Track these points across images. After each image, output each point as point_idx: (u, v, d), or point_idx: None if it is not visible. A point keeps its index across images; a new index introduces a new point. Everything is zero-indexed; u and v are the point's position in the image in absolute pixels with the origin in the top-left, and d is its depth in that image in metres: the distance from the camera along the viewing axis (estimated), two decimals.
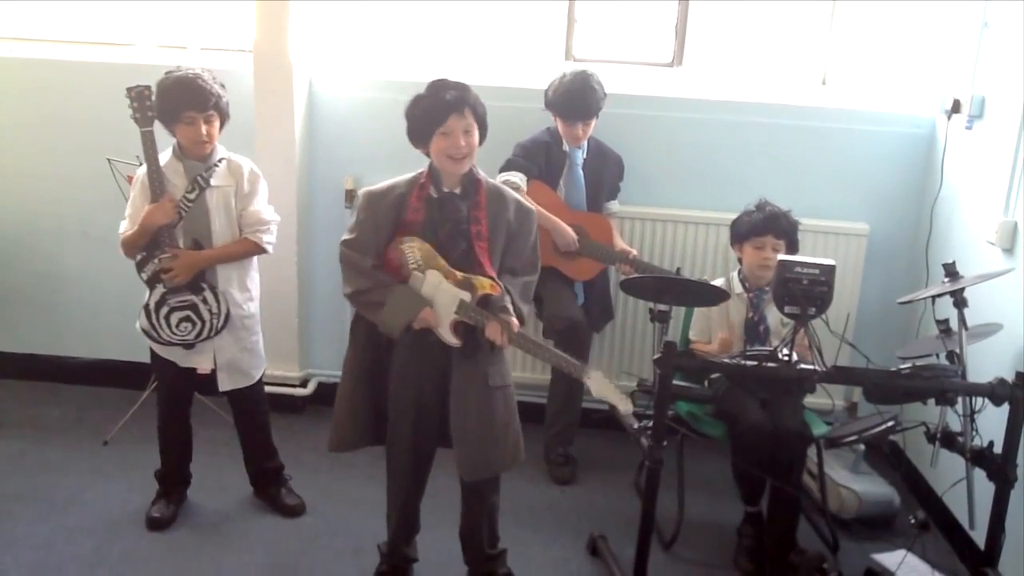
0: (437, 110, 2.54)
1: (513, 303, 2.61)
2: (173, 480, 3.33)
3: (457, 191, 2.62)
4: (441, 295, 2.56)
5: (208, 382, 3.22)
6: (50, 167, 4.15)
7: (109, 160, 3.66)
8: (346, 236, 2.67)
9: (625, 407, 2.55)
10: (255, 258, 3.23)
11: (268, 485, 3.39)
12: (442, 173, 2.61)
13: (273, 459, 3.40)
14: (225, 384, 3.20)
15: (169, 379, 3.23)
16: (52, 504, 3.32)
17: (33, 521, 3.21)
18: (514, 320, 2.56)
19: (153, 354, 3.22)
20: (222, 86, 3.05)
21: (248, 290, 3.21)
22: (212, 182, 3.05)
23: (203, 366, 3.16)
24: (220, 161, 3.08)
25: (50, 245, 4.25)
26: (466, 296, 2.55)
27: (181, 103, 2.95)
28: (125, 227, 3.07)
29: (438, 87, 2.57)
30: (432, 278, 2.57)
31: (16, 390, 4.24)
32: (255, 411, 3.34)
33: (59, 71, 4.10)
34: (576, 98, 3.56)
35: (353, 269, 2.63)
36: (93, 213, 4.11)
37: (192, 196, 3.02)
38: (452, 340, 2.58)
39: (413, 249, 2.58)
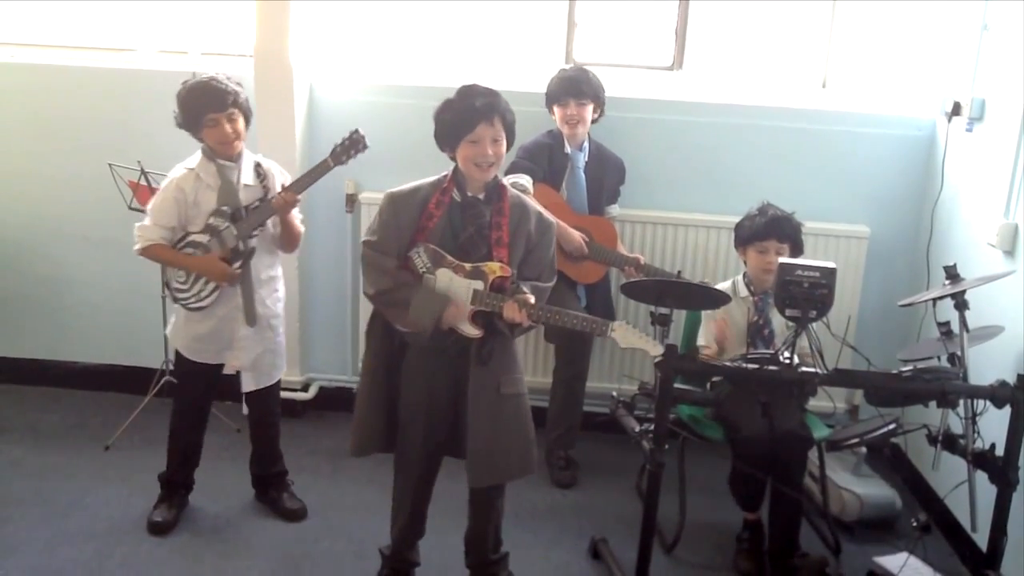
0: (466, 117, 2.53)
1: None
2: (177, 485, 3.32)
3: (481, 196, 2.61)
4: (454, 290, 2.56)
5: (228, 386, 3.23)
6: (51, 171, 4.16)
7: (110, 165, 3.67)
8: (368, 237, 2.64)
9: (655, 350, 2.56)
10: (280, 261, 3.25)
11: (270, 488, 3.39)
12: (467, 178, 2.60)
13: (278, 463, 3.40)
14: (249, 385, 3.20)
15: (195, 384, 3.23)
16: (54, 509, 3.32)
17: (35, 526, 3.21)
18: (529, 296, 2.55)
19: (180, 358, 3.22)
20: (239, 84, 3.07)
21: (276, 290, 3.22)
22: (243, 181, 3.07)
23: (234, 363, 3.17)
24: (258, 166, 3.11)
25: (51, 250, 4.25)
26: (478, 285, 2.55)
27: (201, 107, 2.97)
28: (148, 229, 3.04)
29: (468, 93, 2.56)
30: (443, 277, 2.57)
31: (17, 395, 4.23)
32: (269, 413, 3.34)
33: (61, 76, 4.10)
34: (572, 79, 3.61)
35: (376, 269, 2.60)
36: (94, 218, 4.11)
37: (239, 265, 3.06)
38: (473, 331, 2.57)
39: (420, 254, 2.58)
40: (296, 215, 3.15)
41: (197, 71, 3.06)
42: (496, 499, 2.82)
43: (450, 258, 2.57)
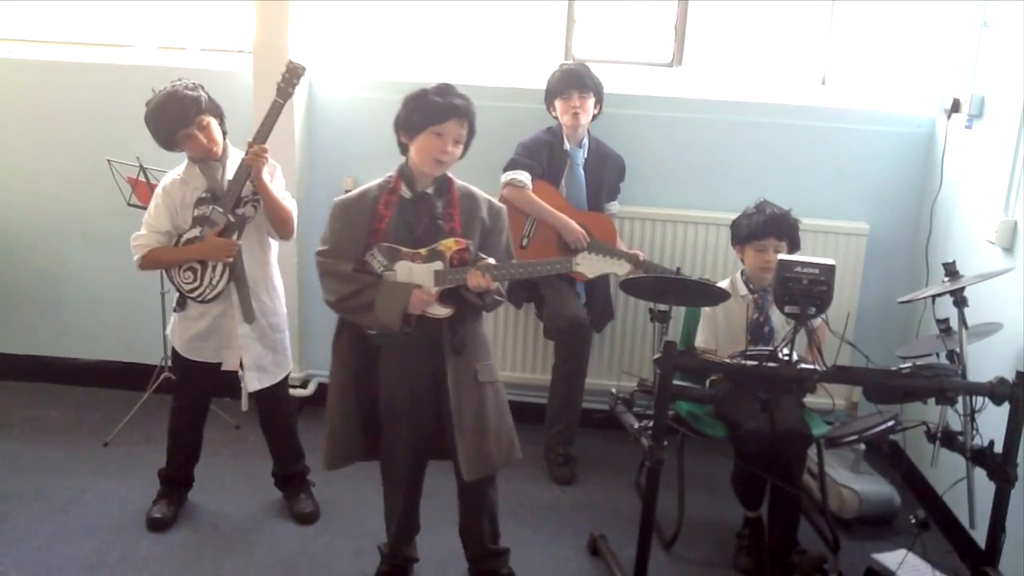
0: (441, 108, 2.55)
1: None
2: (176, 481, 3.32)
3: (430, 191, 2.63)
4: (416, 279, 2.57)
5: (227, 383, 3.21)
6: (50, 167, 4.16)
7: (109, 161, 3.67)
8: (321, 247, 2.65)
9: (623, 269, 2.57)
10: (276, 258, 3.23)
11: (288, 487, 3.38)
12: (416, 173, 2.62)
13: (296, 462, 3.37)
14: (253, 384, 3.18)
15: (194, 382, 3.23)
16: (52, 505, 3.32)
17: (33, 522, 3.21)
18: (488, 259, 2.56)
19: (176, 356, 3.22)
20: (197, 86, 3.04)
21: (274, 287, 3.21)
22: (229, 178, 3.05)
23: (231, 361, 3.16)
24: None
25: (50, 246, 4.25)
26: (438, 265, 2.56)
27: (171, 126, 2.97)
28: (143, 237, 3.05)
29: (447, 90, 2.59)
30: (402, 269, 2.58)
31: (16, 391, 4.23)
32: (279, 411, 3.32)
33: (59, 72, 4.10)
34: (574, 71, 3.64)
35: (334, 276, 2.61)
36: (92, 213, 4.12)
37: (237, 237, 3.05)
38: (443, 311, 2.58)
39: (375, 255, 2.59)
40: (281, 192, 3.11)
41: (156, 87, 3.03)
42: (487, 489, 2.81)
43: (405, 250, 2.58)
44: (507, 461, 2.74)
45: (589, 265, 2.55)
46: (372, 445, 2.78)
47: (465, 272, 2.54)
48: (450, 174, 2.67)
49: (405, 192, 2.63)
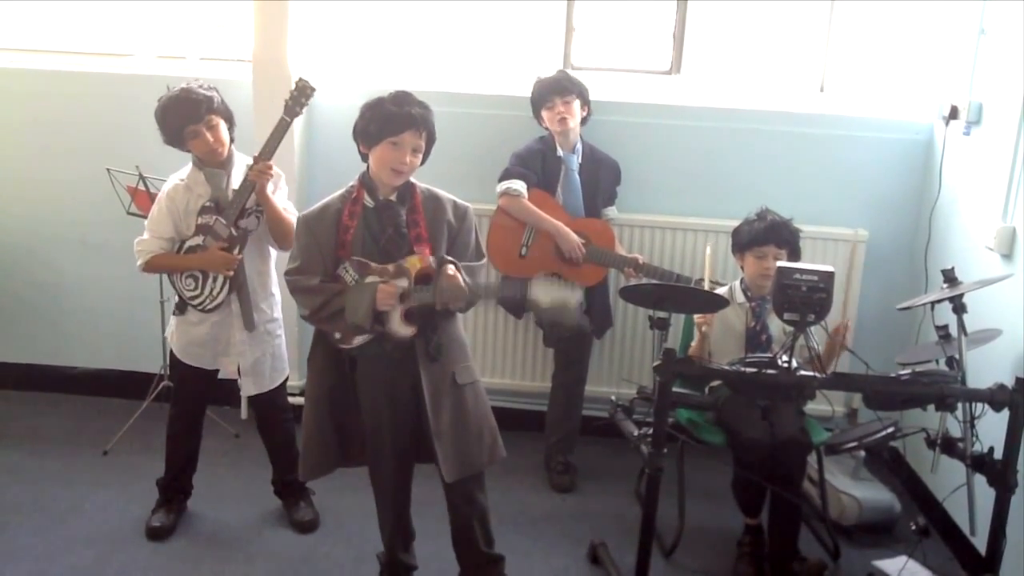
0: (398, 119, 2.53)
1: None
2: (175, 490, 3.32)
3: (393, 198, 2.62)
4: None
5: (226, 391, 3.20)
6: (50, 176, 4.17)
7: (108, 170, 3.67)
8: (290, 266, 2.65)
9: (573, 299, 2.52)
10: (274, 265, 3.23)
11: (287, 495, 3.37)
12: (377, 182, 2.62)
13: (295, 468, 3.36)
14: (249, 389, 3.20)
15: (191, 388, 3.24)
16: (52, 514, 3.31)
17: (33, 532, 3.20)
18: (447, 267, 2.54)
19: (175, 361, 3.22)
20: (212, 88, 3.06)
21: (272, 295, 3.23)
22: (233, 185, 3.07)
23: (230, 368, 3.17)
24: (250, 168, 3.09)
25: (49, 254, 4.26)
26: (403, 283, 2.56)
27: (179, 121, 2.98)
28: (147, 243, 3.08)
29: (405, 99, 2.57)
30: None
31: (15, 400, 4.24)
32: (276, 417, 3.32)
33: (59, 81, 4.11)
34: (553, 79, 3.66)
35: (303, 291, 2.62)
36: (92, 222, 4.12)
37: (238, 251, 3.06)
38: (406, 331, 2.57)
39: (347, 269, 2.59)
40: (284, 203, 3.12)
41: (171, 84, 3.05)
42: (475, 493, 2.78)
43: (374, 265, 2.58)
44: (491, 460, 2.74)
45: (544, 293, 2.50)
46: (350, 453, 2.79)
47: (429, 293, 2.52)
48: (413, 179, 2.66)
49: (368, 201, 2.62)
